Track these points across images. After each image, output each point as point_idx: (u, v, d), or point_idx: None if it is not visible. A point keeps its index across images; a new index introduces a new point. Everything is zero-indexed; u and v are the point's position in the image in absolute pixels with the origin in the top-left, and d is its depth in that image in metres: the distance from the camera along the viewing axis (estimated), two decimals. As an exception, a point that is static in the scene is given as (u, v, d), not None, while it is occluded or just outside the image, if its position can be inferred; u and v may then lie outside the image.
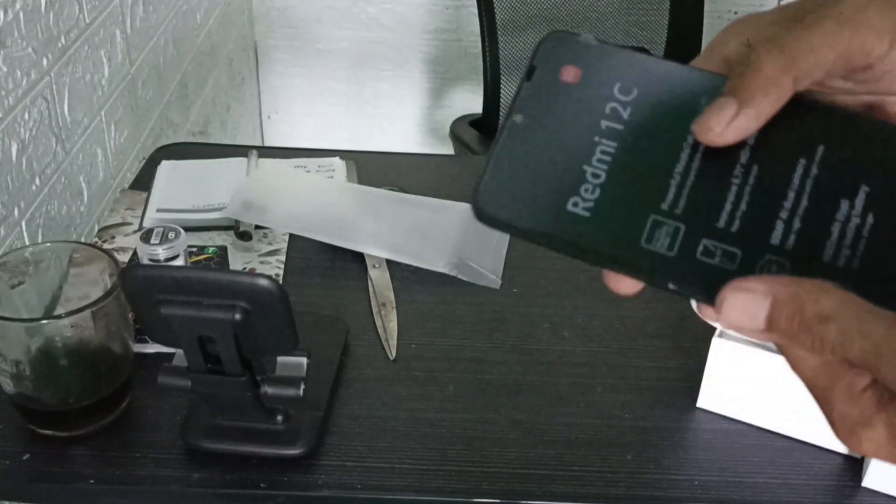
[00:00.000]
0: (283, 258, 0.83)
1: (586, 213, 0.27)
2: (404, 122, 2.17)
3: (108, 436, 0.64)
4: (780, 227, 0.27)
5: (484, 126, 1.50)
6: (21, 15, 0.88)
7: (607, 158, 0.28)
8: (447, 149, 1.55)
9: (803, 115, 0.28)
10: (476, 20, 1.44)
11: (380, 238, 0.85)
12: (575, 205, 0.28)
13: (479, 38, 1.45)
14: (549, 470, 0.63)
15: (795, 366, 0.27)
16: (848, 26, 0.28)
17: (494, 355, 0.73)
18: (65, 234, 1.01)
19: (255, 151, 0.98)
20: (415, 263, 0.82)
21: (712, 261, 0.27)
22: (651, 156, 0.28)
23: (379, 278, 0.81)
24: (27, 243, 0.91)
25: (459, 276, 0.81)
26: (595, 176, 0.28)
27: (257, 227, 0.86)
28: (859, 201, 0.27)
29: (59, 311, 0.64)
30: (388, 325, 0.75)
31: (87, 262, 0.65)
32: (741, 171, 0.28)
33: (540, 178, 0.28)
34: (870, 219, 0.27)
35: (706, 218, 0.27)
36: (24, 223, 0.91)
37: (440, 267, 0.82)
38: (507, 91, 1.48)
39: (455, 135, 1.49)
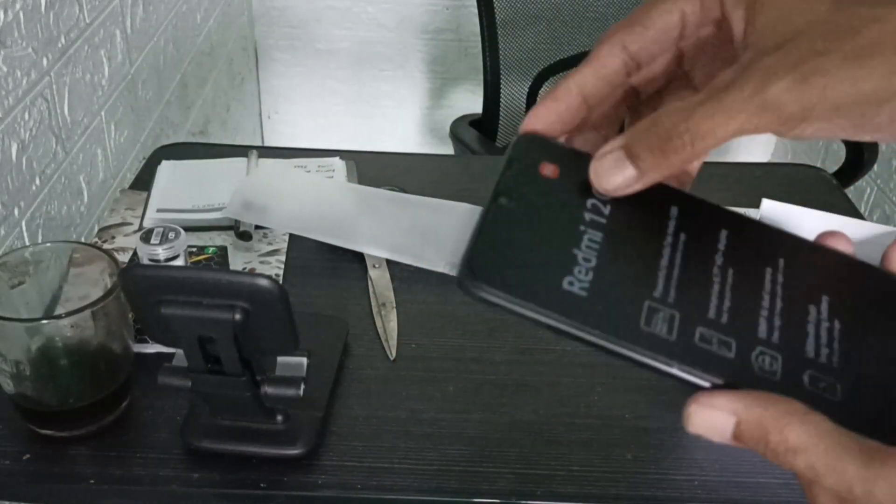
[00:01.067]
0: (283, 258, 0.83)
1: (583, 293, 0.28)
2: (404, 122, 2.17)
3: (108, 436, 0.64)
4: (763, 323, 0.28)
5: (484, 126, 1.50)
6: (21, 15, 0.88)
7: (595, 247, 0.29)
8: (447, 149, 1.55)
9: (760, 232, 0.31)
10: (476, 20, 1.44)
11: (380, 238, 0.85)
12: (570, 284, 0.28)
13: (479, 38, 1.45)
14: (549, 470, 0.63)
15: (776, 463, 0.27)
16: None
17: (494, 355, 0.73)
18: (65, 234, 1.01)
19: (255, 151, 0.98)
20: (415, 263, 0.82)
21: (711, 347, 0.28)
22: (636, 250, 0.30)
23: (379, 278, 0.81)
24: (27, 243, 0.91)
25: (459, 276, 0.81)
26: (586, 260, 0.29)
27: (257, 227, 0.86)
28: (824, 308, 0.29)
29: (59, 311, 0.64)
30: (388, 325, 0.75)
31: (87, 262, 0.65)
32: (719, 271, 0.30)
33: (532, 258, 0.29)
34: (836, 323, 0.29)
35: (698, 308, 0.28)
36: (24, 223, 0.91)
37: (440, 267, 0.82)
38: (507, 91, 1.48)
39: (455, 135, 1.49)
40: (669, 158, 0.29)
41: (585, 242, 0.29)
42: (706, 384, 0.27)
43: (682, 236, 0.31)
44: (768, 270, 0.30)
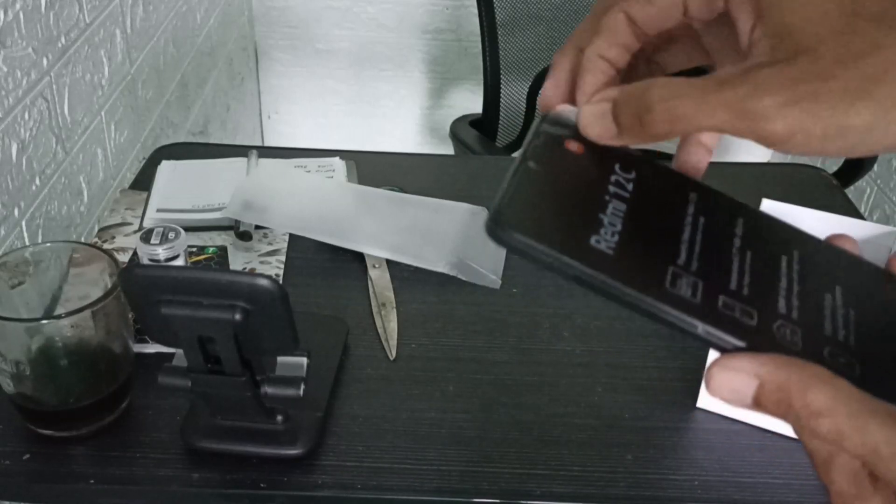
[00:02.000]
0: (283, 258, 0.83)
1: (609, 251, 0.28)
2: (404, 122, 2.17)
3: (108, 436, 0.64)
4: (782, 301, 0.29)
5: (484, 126, 1.50)
6: (21, 15, 0.88)
7: (620, 215, 0.30)
8: (447, 149, 1.55)
9: (774, 225, 0.33)
10: (476, 20, 1.44)
11: (380, 238, 0.85)
12: (598, 242, 0.29)
13: (479, 38, 1.45)
14: (549, 470, 0.63)
15: (797, 434, 0.27)
16: None
17: (494, 355, 0.73)
18: (65, 234, 1.01)
19: (255, 151, 0.98)
20: (415, 263, 0.82)
21: (734, 314, 0.28)
22: (659, 223, 0.31)
23: (379, 278, 0.81)
24: (27, 243, 0.91)
25: (459, 276, 0.81)
26: (612, 224, 0.29)
27: (257, 227, 0.86)
28: (839, 296, 0.30)
29: (59, 311, 0.64)
30: (388, 325, 0.75)
31: (87, 262, 0.65)
32: (738, 252, 0.31)
33: (560, 214, 0.29)
34: (851, 312, 0.29)
35: (720, 279, 0.29)
36: (24, 223, 0.91)
37: (440, 267, 0.82)
38: (507, 91, 1.48)
39: (455, 135, 1.49)
40: (645, 130, 0.30)
41: (610, 210, 0.30)
42: (729, 346, 0.27)
43: (702, 218, 0.31)
44: (784, 258, 0.31)
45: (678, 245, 0.30)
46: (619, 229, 0.29)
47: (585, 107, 0.32)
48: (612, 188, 0.31)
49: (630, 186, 0.31)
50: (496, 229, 0.28)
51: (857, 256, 0.32)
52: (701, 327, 0.27)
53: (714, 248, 0.30)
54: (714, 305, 0.28)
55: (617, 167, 0.32)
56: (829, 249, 0.33)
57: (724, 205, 0.33)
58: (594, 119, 0.31)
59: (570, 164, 0.32)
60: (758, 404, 0.26)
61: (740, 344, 0.27)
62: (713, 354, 0.28)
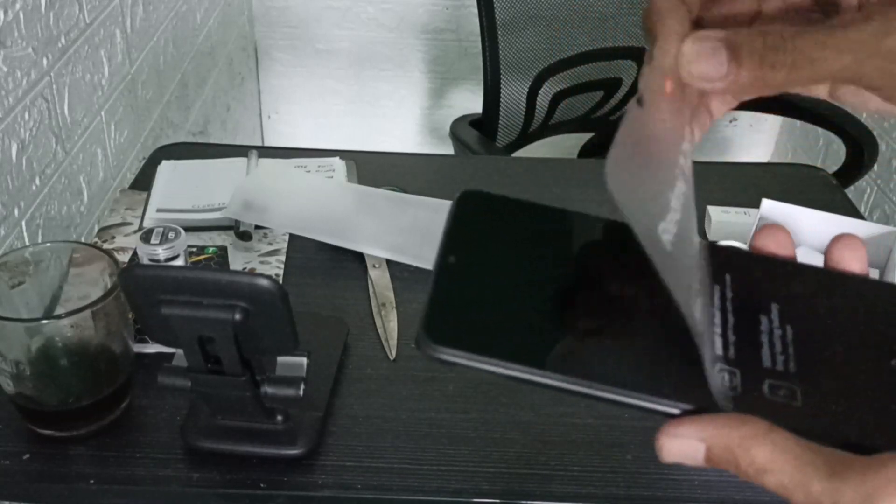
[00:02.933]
0: (283, 258, 0.83)
1: (538, 340, 0.28)
2: (404, 122, 2.17)
3: (108, 436, 0.64)
4: (718, 340, 0.29)
5: (484, 126, 1.50)
6: (21, 15, 0.88)
7: (543, 293, 0.29)
8: (447, 149, 1.55)
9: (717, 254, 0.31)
10: (476, 20, 1.44)
11: (380, 238, 0.85)
12: (523, 332, 0.28)
13: (479, 38, 1.45)
14: (549, 470, 0.63)
15: None
16: None
17: (494, 355, 0.73)
18: (65, 234, 1.01)
19: (255, 151, 0.98)
20: (415, 263, 0.82)
21: (671, 378, 0.28)
22: (579, 294, 0.30)
23: (379, 278, 0.81)
24: (27, 243, 0.91)
25: (459, 276, 0.81)
26: (535, 307, 0.29)
27: (257, 227, 0.86)
28: (775, 316, 0.29)
29: (59, 311, 0.64)
30: (388, 325, 0.75)
31: (87, 262, 0.65)
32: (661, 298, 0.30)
33: (484, 312, 0.29)
34: (789, 329, 0.29)
35: (645, 345, 0.29)
36: (24, 223, 0.91)
37: (440, 267, 0.81)
38: (507, 91, 1.48)
39: (455, 135, 1.49)
40: (765, 71, 0.28)
41: (532, 290, 0.29)
42: (675, 411, 0.27)
43: (616, 271, 0.31)
44: (715, 287, 0.30)
45: (605, 310, 0.29)
46: (541, 311, 0.29)
47: (692, 43, 0.28)
48: (531, 263, 0.30)
49: (549, 256, 0.31)
50: (423, 349, 0.28)
51: (791, 260, 0.31)
52: (642, 400, 0.27)
53: (636, 305, 0.29)
54: (650, 372, 0.28)
55: (524, 235, 0.31)
56: (761, 261, 0.31)
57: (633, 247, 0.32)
58: (704, 56, 0.28)
59: (489, 248, 0.31)
60: (709, 462, 0.26)
61: (685, 407, 0.27)
62: None
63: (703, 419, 0.26)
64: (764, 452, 0.25)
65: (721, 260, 0.31)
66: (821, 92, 0.32)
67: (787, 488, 0.25)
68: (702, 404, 0.27)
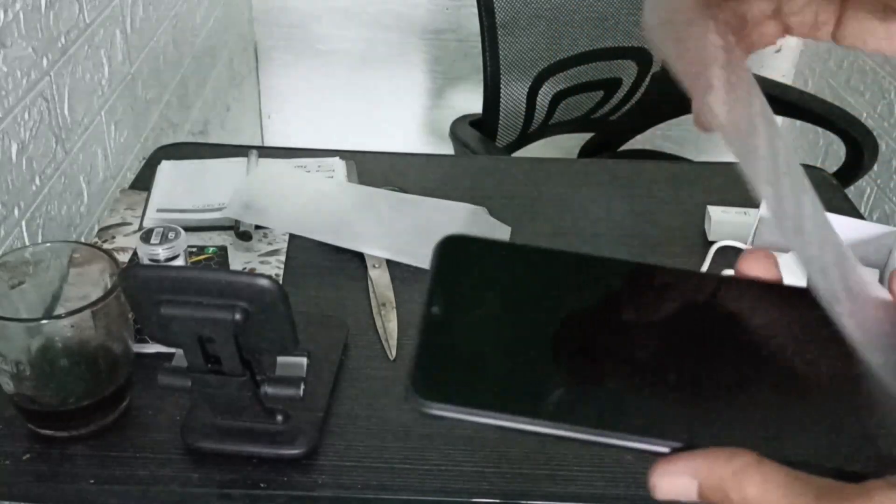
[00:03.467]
0: (283, 258, 0.83)
1: (525, 387, 0.28)
2: (404, 122, 2.17)
3: (108, 436, 0.64)
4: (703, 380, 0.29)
5: (484, 126, 1.50)
6: (21, 15, 0.88)
7: (528, 340, 0.29)
8: (447, 149, 1.55)
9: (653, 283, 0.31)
10: (476, 20, 1.44)
11: (380, 238, 0.85)
12: (512, 381, 0.28)
13: (479, 38, 1.45)
14: (549, 470, 0.63)
15: None
16: None
17: (494, 355, 0.73)
18: (65, 234, 1.01)
19: (255, 151, 0.98)
20: (415, 263, 0.82)
21: (659, 414, 0.28)
22: (562, 338, 0.29)
23: (379, 278, 0.81)
24: (27, 243, 0.91)
25: (459, 276, 0.81)
26: (522, 354, 0.29)
27: (257, 227, 0.86)
28: (746, 344, 0.29)
29: (59, 311, 0.64)
30: (388, 325, 0.75)
31: (87, 262, 0.65)
32: (641, 344, 0.29)
33: (469, 363, 0.29)
34: (763, 355, 0.29)
35: (636, 382, 0.28)
36: (24, 223, 0.91)
37: (440, 267, 0.81)
38: (507, 91, 1.48)
39: (455, 135, 1.49)
40: None
41: (517, 337, 0.29)
42: (665, 450, 0.27)
43: (600, 311, 0.30)
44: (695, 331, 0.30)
45: (597, 356, 0.29)
46: (527, 358, 0.28)
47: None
48: (514, 309, 0.30)
49: (530, 301, 0.30)
50: (412, 404, 0.28)
51: (754, 281, 0.31)
52: (633, 441, 0.27)
53: (610, 350, 0.29)
54: (638, 413, 0.27)
55: (509, 279, 0.31)
56: (719, 287, 0.31)
57: (610, 285, 0.31)
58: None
59: (471, 295, 0.30)
60: (703, 498, 0.26)
61: (675, 445, 0.27)
62: None
63: (693, 455, 0.26)
64: (754, 486, 0.25)
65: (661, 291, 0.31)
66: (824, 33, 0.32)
67: None
68: (690, 441, 0.27)
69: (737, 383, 0.28)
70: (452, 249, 0.33)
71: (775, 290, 0.31)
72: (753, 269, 0.31)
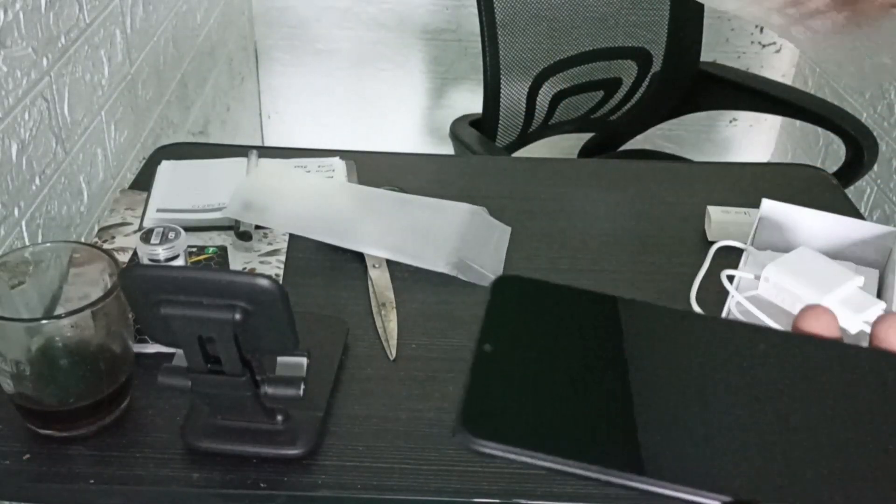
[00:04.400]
0: (283, 258, 0.83)
1: (579, 432, 0.28)
2: (404, 122, 2.17)
3: (108, 436, 0.64)
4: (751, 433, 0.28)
5: (484, 126, 1.50)
6: (21, 15, 0.88)
7: (583, 383, 0.29)
8: (447, 149, 1.54)
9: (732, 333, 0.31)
10: (476, 20, 1.44)
11: (380, 238, 0.85)
12: (564, 424, 0.28)
13: (479, 38, 1.45)
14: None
15: None
16: None
17: (494, 355, 0.73)
18: (65, 234, 1.01)
19: (255, 151, 0.98)
20: (415, 263, 0.82)
21: (715, 468, 0.27)
22: (620, 384, 0.29)
23: (379, 278, 0.81)
24: (27, 243, 0.91)
25: (459, 276, 0.81)
26: (577, 397, 0.29)
27: (257, 227, 0.86)
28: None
29: (59, 311, 0.64)
30: (388, 325, 0.75)
31: (87, 262, 0.65)
32: (706, 393, 0.29)
33: (523, 402, 0.29)
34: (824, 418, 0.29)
35: (696, 434, 0.28)
36: (24, 223, 0.91)
37: (440, 267, 0.82)
38: (507, 91, 1.48)
39: (455, 135, 1.49)
40: None
41: (572, 379, 0.29)
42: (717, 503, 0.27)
43: (656, 357, 0.30)
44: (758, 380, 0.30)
45: (647, 401, 0.29)
46: (585, 401, 0.28)
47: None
48: (567, 352, 0.30)
49: (585, 343, 0.31)
50: (462, 440, 0.27)
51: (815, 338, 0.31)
52: (686, 496, 0.27)
53: (667, 397, 0.29)
54: (694, 467, 0.27)
55: (564, 322, 0.31)
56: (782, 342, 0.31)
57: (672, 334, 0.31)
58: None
59: (526, 335, 0.31)
60: None
61: (727, 500, 0.27)
62: None
63: None
64: None
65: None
66: None
67: None
68: (747, 497, 0.26)
69: (799, 443, 0.28)
70: (507, 288, 0.33)
71: (838, 349, 0.31)
72: (813, 326, 0.31)
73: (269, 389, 0.58)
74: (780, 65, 2.07)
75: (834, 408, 0.29)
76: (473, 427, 0.28)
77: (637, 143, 1.74)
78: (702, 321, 0.32)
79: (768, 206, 0.81)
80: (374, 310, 0.77)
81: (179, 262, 0.70)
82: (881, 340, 0.30)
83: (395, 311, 0.77)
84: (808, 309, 0.31)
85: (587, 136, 1.74)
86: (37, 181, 0.93)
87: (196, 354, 0.56)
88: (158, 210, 0.89)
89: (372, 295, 0.79)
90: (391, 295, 0.79)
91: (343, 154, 1.00)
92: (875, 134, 1.40)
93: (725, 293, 0.72)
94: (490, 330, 0.31)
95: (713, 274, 0.77)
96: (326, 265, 0.83)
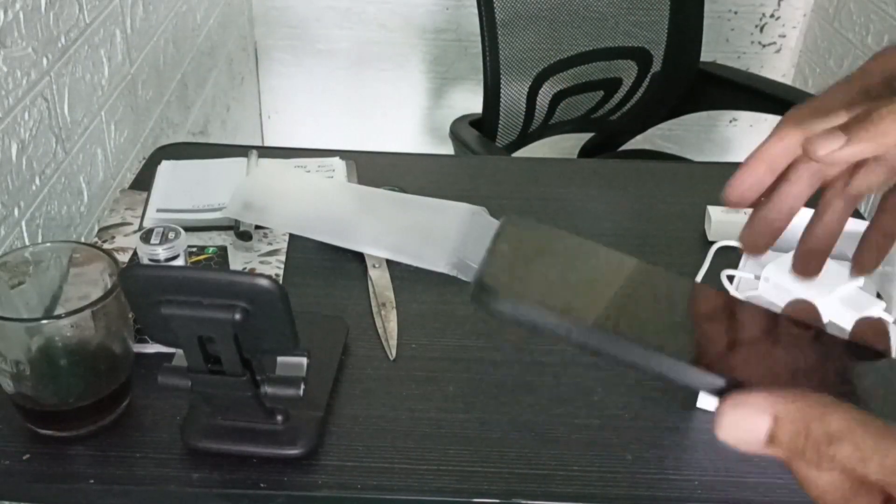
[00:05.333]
0: (283, 258, 0.83)
1: (592, 308, 0.29)
2: (404, 122, 2.16)
3: (108, 436, 0.64)
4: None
5: (484, 126, 1.50)
6: (21, 15, 0.88)
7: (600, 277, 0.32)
8: (447, 149, 1.54)
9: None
10: (476, 20, 1.44)
11: (380, 238, 0.85)
12: (579, 300, 0.30)
13: (479, 38, 1.45)
14: (549, 470, 0.63)
15: (804, 483, 0.26)
16: None
17: (494, 355, 0.73)
18: (65, 234, 1.01)
19: (255, 151, 0.98)
20: (415, 263, 0.82)
21: (728, 355, 0.29)
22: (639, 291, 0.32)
23: (379, 278, 0.81)
24: (27, 243, 0.91)
25: (459, 276, 0.81)
26: (590, 286, 0.31)
27: (257, 227, 0.86)
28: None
29: (59, 311, 0.64)
30: (388, 325, 0.75)
31: (87, 262, 0.65)
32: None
33: (542, 277, 0.30)
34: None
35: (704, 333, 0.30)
36: (24, 223, 0.91)
37: (440, 267, 0.81)
38: (507, 91, 1.48)
39: (455, 135, 1.49)
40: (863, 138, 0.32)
41: (590, 264, 0.31)
42: (720, 382, 0.27)
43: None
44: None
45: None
46: (601, 293, 0.30)
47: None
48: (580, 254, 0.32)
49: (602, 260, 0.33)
50: (484, 298, 0.28)
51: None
52: (681, 372, 0.27)
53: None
54: (691, 347, 0.28)
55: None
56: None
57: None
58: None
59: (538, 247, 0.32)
60: (772, 441, 0.25)
61: (725, 384, 0.27)
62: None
63: (773, 391, 0.25)
64: (840, 419, 0.24)
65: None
66: None
67: (864, 455, 0.24)
68: (743, 380, 0.27)
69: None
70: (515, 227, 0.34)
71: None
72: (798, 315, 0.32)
73: (269, 389, 0.58)
74: (780, 65, 2.07)
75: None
76: (495, 287, 0.28)
77: (637, 143, 1.74)
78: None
79: (768, 206, 0.81)
80: (374, 310, 0.77)
81: (179, 262, 0.70)
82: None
83: (395, 311, 0.77)
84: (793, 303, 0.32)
85: (587, 136, 1.74)
86: (37, 181, 0.93)
87: (196, 354, 0.56)
88: (158, 210, 0.89)
89: (372, 295, 0.79)
90: (391, 295, 0.79)
91: (343, 154, 1.00)
92: (875, 134, 1.39)
93: (725, 293, 0.72)
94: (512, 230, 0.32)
95: (713, 274, 0.77)
96: (326, 265, 0.83)
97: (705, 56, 1.61)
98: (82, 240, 1.04)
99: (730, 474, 0.63)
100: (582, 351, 0.28)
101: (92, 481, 0.61)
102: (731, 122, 2.16)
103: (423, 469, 0.63)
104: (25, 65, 0.90)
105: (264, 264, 0.82)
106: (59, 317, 0.59)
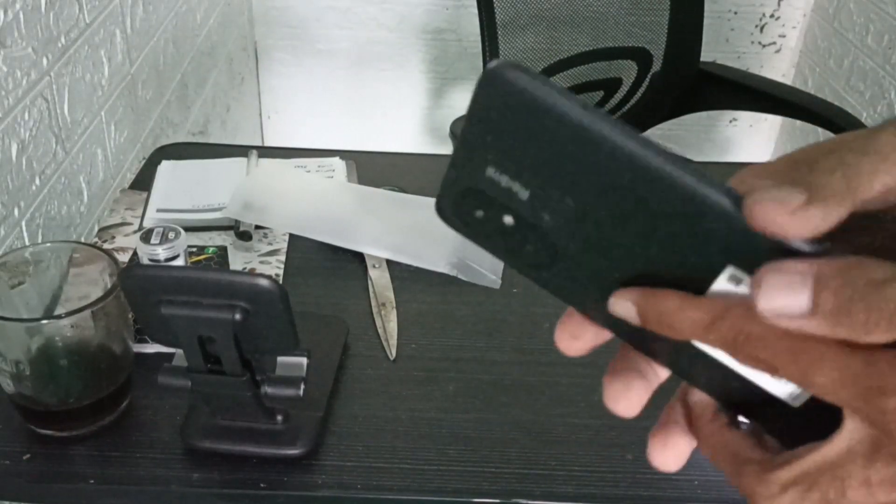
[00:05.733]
0: (283, 258, 0.83)
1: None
2: (404, 122, 2.17)
3: (108, 436, 0.64)
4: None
5: (484, 126, 1.50)
6: (21, 15, 0.88)
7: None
8: (447, 149, 1.55)
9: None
10: (476, 20, 1.44)
11: (380, 238, 0.85)
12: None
13: (479, 38, 1.45)
14: (549, 470, 0.63)
15: (861, 374, 0.24)
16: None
17: (494, 355, 0.73)
18: (65, 234, 1.01)
19: (255, 151, 0.98)
20: (415, 263, 0.82)
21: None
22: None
23: (379, 278, 0.81)
24: (27, 243, 0.91)
25: (459, 276, 0.81)
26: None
27: (257, 227, 0.86)
28: None
29: (59, 311, 0.64)
30: (388, 325, 0.75)
31: (87, 262, 0.65)
32: None
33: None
34: None
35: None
36: (24, 223, 0.91)
37: (440, 267, 0.82)
38: (507, 91, 1.49)
39: (455, 135, 1.49)
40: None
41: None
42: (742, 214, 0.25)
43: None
44: None
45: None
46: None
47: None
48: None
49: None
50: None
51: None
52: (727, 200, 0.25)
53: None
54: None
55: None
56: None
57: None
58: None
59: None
60: (815, 302, 0.24)
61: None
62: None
63: (811, 257, 0.24)
64: (885, 266, 0.23)
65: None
66: None
67: None
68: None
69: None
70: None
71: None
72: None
73: (269, 389, 0.58)
74: (780, 65, 2.07)
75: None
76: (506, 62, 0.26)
77: (637, 143, 1.74)
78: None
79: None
80: (374, 310, 0.77)
81: (179, 262, 0.70)
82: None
83: (395, 311, 0.77)
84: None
85: (587, 136, 1.74)
86: (37, 181, 0.93)
87: (196, 354, 0.56)
88: (158, 210, 0.89)
89: (372, 295, 0.79)
90: (391, 295, 0.79)
91: (343, 154, 1.00)
92: (875, 134, 1.39)
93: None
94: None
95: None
96: (326, 265, 0.83)
97: (705, 56, 1.61)
98: (82, 240, 1.04)
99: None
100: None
101: (92, 481, 0.61)
102: (731, 122, 2.16)
103: (423, 469, 0.63)
104: (25, 65, 0.90)
105: (264, 264, 0.82)
106: (59, 317, 0.59)
